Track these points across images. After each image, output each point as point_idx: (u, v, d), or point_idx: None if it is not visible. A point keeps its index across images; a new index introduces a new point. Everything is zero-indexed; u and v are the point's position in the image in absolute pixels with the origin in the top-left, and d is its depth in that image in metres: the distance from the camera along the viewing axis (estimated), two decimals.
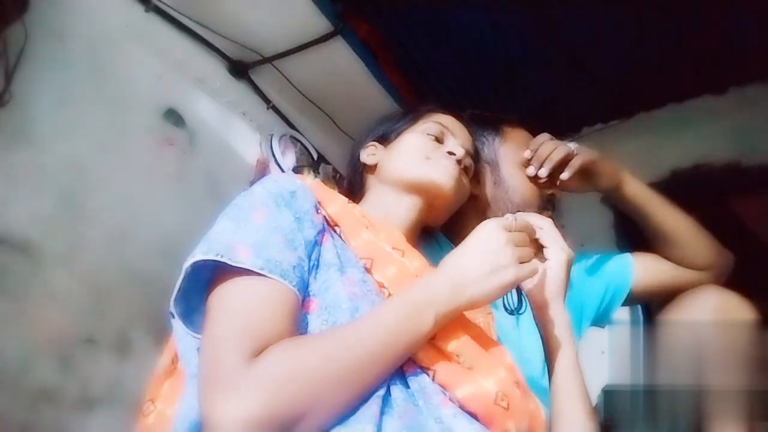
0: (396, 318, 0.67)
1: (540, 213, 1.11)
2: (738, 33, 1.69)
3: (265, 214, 0.73)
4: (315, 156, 1.98)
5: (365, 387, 0.63)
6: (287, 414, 0.57)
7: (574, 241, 0.93)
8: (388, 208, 0.96)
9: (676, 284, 1.15)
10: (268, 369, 0.59)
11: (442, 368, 0.69)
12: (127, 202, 1.36)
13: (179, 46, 1.61)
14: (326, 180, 1.99)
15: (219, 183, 1.62)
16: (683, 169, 1.98)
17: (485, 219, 0.82)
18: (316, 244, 0.76)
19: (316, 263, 0.75)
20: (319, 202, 0.82)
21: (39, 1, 1.20)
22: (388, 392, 0.65)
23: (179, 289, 0.69)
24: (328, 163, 2.05)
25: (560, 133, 2.10)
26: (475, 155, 1.09)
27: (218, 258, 0.66)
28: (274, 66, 1.81)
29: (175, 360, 0.76)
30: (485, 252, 0.75)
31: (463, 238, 0.79)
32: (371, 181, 1.04)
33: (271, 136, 1.83)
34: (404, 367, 0.69)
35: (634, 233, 1.27)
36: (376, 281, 0.77)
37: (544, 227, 0.93)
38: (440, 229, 1.09)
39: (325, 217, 0.82)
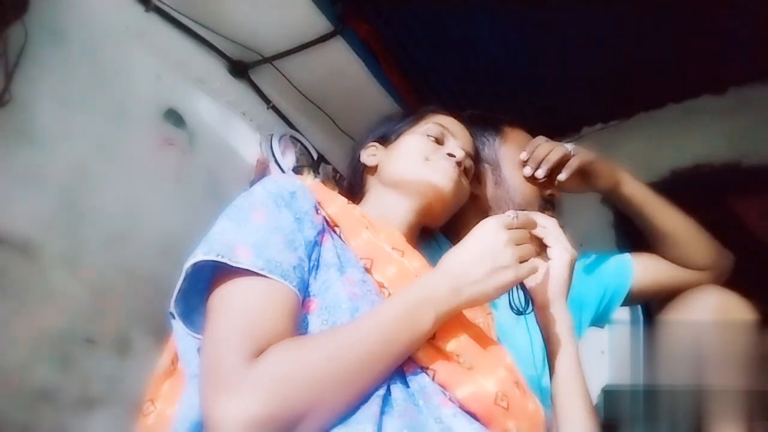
0: (396, 317, 0.67)
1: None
2: (738, 33, 1.69)
3: (265, 215, 0.73)
4: (315, 156, 1.99)
5: (366, 386, 0.63)
6: (288, 414, 0.57)
7: (574, 241, 0.93)
8: (387, 209, 0.95)
9: (676, 284, 1.15)
10: (269, 369, 0.59)
11: (442, 368, 0.69)
12: (127, 202, 1.36)
13: (179, 46, 1.61)
14: (326, 180, 2.00)
15: (219, 183, 1.63)
16: (683, 169, 1.99)
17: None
18: (316, 244, 0.76)
19: (316, 263, 0.75)
20: (318, 203, 0.82)
21: (39, 1, 1.20)
22: (388, 392, 0.65)
23: (179, 289, 0.69)
24: (328, 163, 2.05)
25: (560, 133, 2.13)
26: (476, 156, 1.09)
27: (219, 258, 0.66)
28: (274, 66, 1.82)
29: (174, 360, 0.76)
30: (485, 251, 0.75)
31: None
32: (371, 181, 1.04)
33: (271, 136, 1.83)
34: (404, 367, 0.69)
35: (634, 233, 1.27)
36: (376, 281, 0.77)
37: (548, 227, 0.93)
38: (440, 229, 1.09)
39: (324, 217, 0.82)
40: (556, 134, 1.18)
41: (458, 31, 1.76)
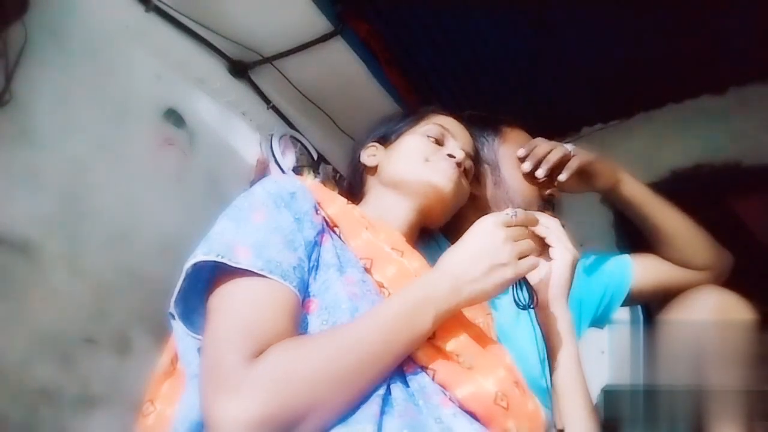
0: (395, 316, 0.68)
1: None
2: (738, 33, 1.69)
3: (264, 215, 0.73)
4: (315, 156, 1.98)
5: (366, 386, 0.63)
6: (288, 414, 0.57)
7: (574, 241, 0.93)
8: (387, 209, 0.96)
9: (676, 284, 1.15)
10: (269, 369, 0.59)
11: (442, 368, 0.69)
12: (127, 202, 1.36)
13: (179, 46, 1.61)
14: (326, 180, 1.99)
15: (219, 183, 1.62)
16: (683, 169, 1.99)
17: None
18: (316, 244, 0.76)
19: (315, 264, 0.75)
20: (318, 203, 0.82)
21: (39, 1, 1.20)
22: (388, 392, 0.65)
23: (179, 289, 0.69)
24: (328, 163, 2.05)
25: (560, 133, 2.13)
26: (476, 156, 1.09)
27: (218, 259, 0.66)
28: (274, 66, 1.82)
29: (174, 360, 0.76)
30: (483, 249, 0.75)
31: None
32: (371, 182, 1.04)
33: (271, 136, 1.83)
34: (404, 367, 0.69)
35: (634, 233, 1.27)
36: (376, 281, 0.77)
37: (550, 227, 0.93)
38: (440, 229, 1.09)
39: (324, 217, 0.82)
40: (556, 134, 1.18)
41: (458, 31, 1.76)
